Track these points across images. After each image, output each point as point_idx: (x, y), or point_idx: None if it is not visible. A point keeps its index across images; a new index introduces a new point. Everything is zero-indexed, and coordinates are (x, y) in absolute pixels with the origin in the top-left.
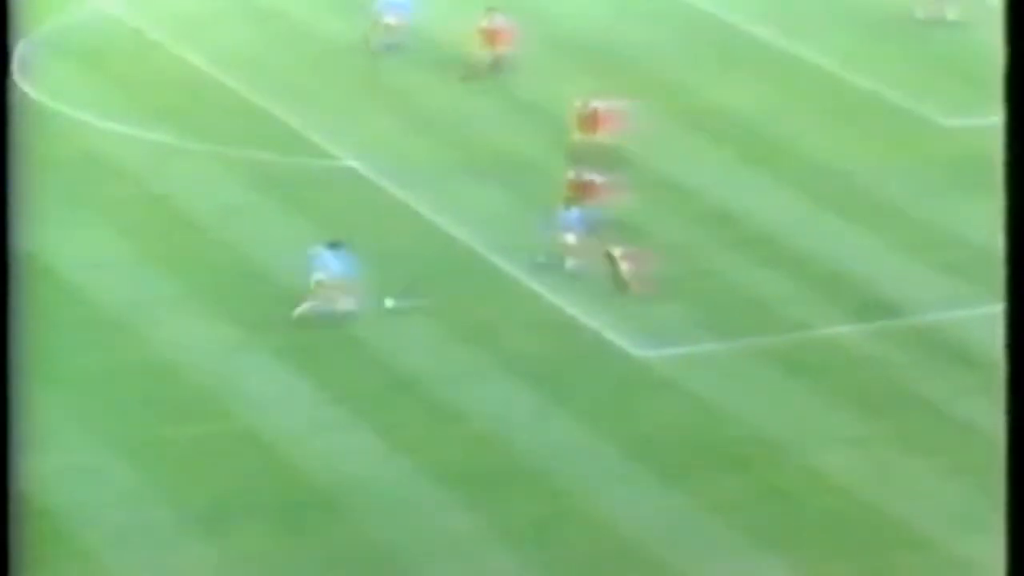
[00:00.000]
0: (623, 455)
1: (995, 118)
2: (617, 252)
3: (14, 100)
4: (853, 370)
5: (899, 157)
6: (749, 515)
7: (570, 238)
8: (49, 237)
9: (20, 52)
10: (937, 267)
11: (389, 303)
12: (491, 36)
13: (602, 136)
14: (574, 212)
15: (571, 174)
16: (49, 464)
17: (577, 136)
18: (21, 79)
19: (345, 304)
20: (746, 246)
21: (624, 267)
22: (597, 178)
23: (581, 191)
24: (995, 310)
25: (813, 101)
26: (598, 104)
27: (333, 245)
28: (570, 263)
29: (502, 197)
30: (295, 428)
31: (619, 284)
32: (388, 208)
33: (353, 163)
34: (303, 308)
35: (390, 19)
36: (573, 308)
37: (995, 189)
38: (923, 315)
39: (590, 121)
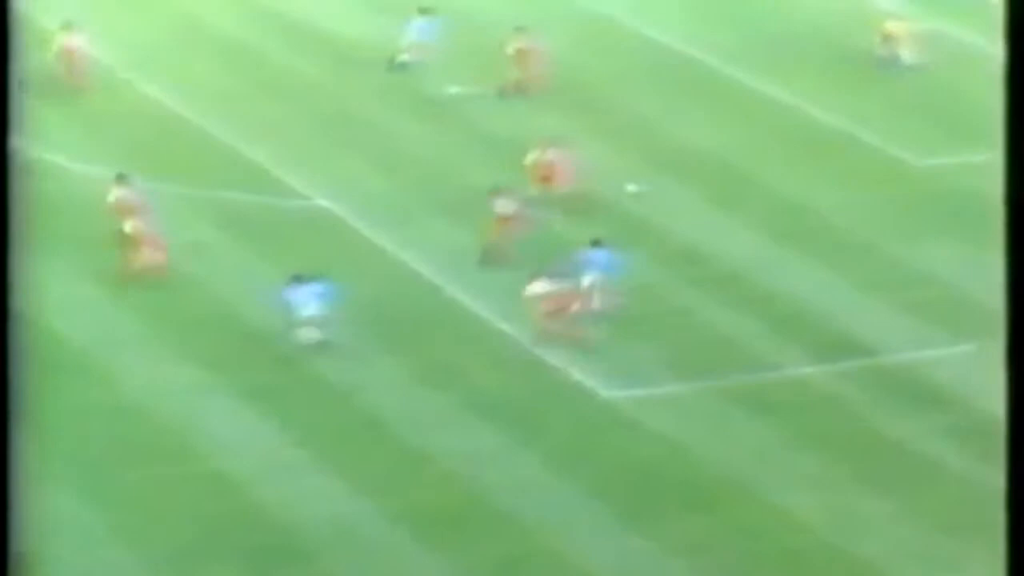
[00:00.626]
0: (589, 495)
1: (962, 158)
2: (543, 303)
3: (15, 162)
4: (818, 410)
5: (865, 196)
6: (715, 555)
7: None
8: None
9: None
10: (903, 307)
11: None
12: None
13: (559, 186)
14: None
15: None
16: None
17: (534, 188)
18: None
19: (315, 340)
20: (713, 286)
21: (546, 318)
22: (559, 222)
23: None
24: (961, 350)
25: (781, 139)
26: (553, 154)
27: (302, 278)
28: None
29: (470, 237)
30: (262, 470)
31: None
32: (357, 247)
33: (323, 202)
34: (303, 336)
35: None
36: (540, 348)
37: (961, 229)
38: (889, 355)
39: (546, 172)
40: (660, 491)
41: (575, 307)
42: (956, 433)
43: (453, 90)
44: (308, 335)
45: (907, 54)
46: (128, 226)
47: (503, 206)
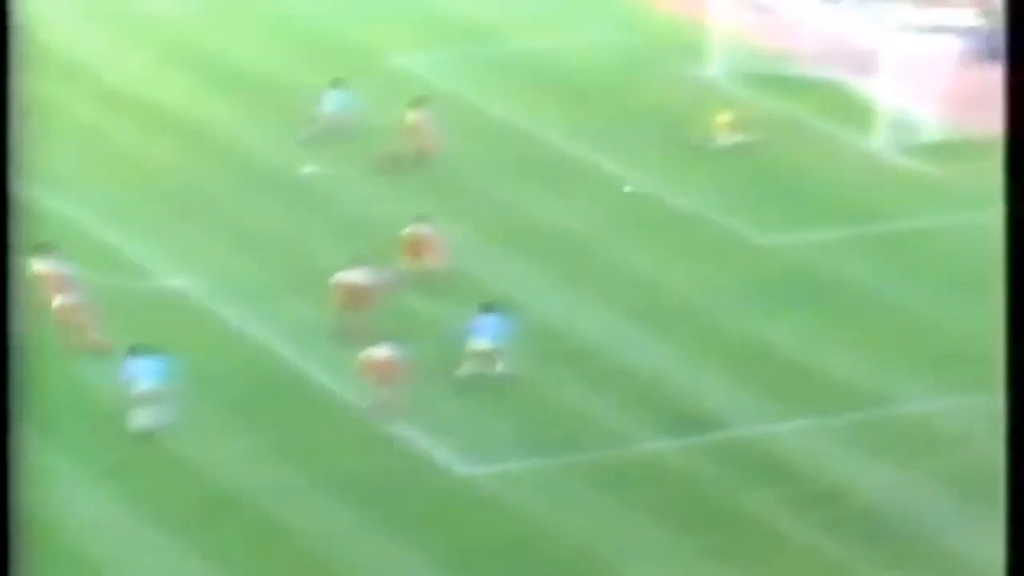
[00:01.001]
0: (445, 571)
1: (801, 236)
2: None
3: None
4: (671, 484)
5: (712, 273)
6: None
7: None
8: None
9: None
10: (749, 382)
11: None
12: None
13: (428, 261)
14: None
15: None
16: None
17: (404, 262)
18: None
19: (160, 416)
20: (568, 362)
21: (374, 385)
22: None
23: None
24: (804, 424)
25: (631, 219)
26: (421, 229)
27: (141, 351)
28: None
29: (325, 313)
30: (118, 549)
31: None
32: (210, 325)
33: (174, 281)
34: (135, 423)
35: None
36: (395, 424)
37: (802, 305)
38: (738, 429)
39: (414, 247)
40: (517, 567)
41: (401, 376)
42: (800, 504)
43: (308, 170)
44: (146, 412)
45: (747, 136)
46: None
47: (356, 280)
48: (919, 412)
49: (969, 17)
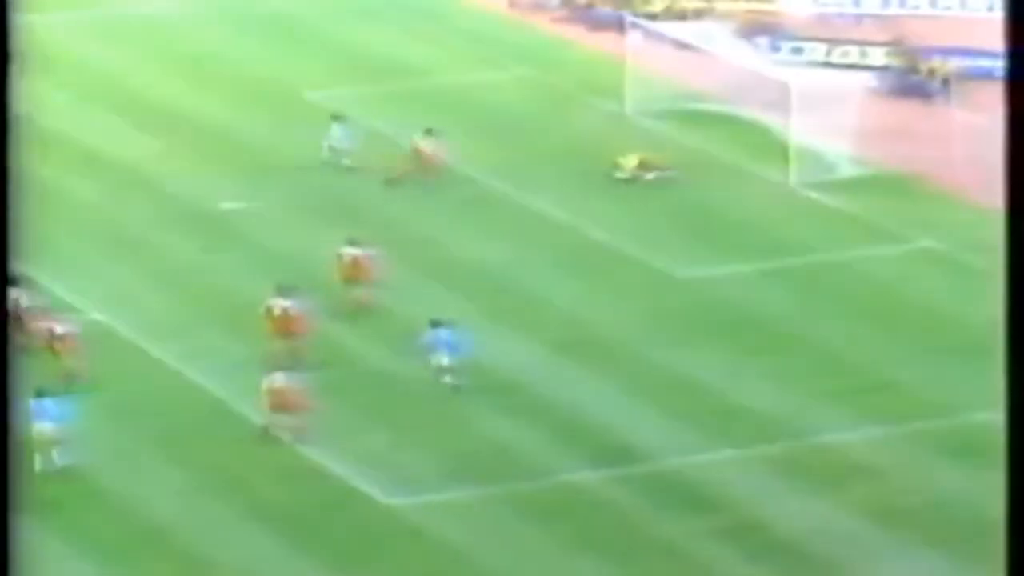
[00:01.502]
0: None
1: (723, 269)
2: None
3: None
4: (595, 515)
5: (633, 307)
6: None
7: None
8: None
9: None
10: (672, 414)
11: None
12: None
13: (364, 283)
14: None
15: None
16: None
17: (340, 286)
18: None
19: (62, 457)
20: (491, 394)
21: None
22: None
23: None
24: (726, 455)
25: (553, 253)
26: (355, 251)
27: (44, 392)
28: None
29: (248, 349)
30: None
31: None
32: (135, 360)
33: (98, 316)
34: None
35: None
36: (321, 456)
37: (721, 337)
38: (660, 461)
39: (351, 268)
40: None
41: (297, 405)
42: (722, 535)
43: (228, 205)
44: (56, 451)
45: (664, 172)
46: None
47: (286, 307)
48: (836, 443)
49: (881, 55)
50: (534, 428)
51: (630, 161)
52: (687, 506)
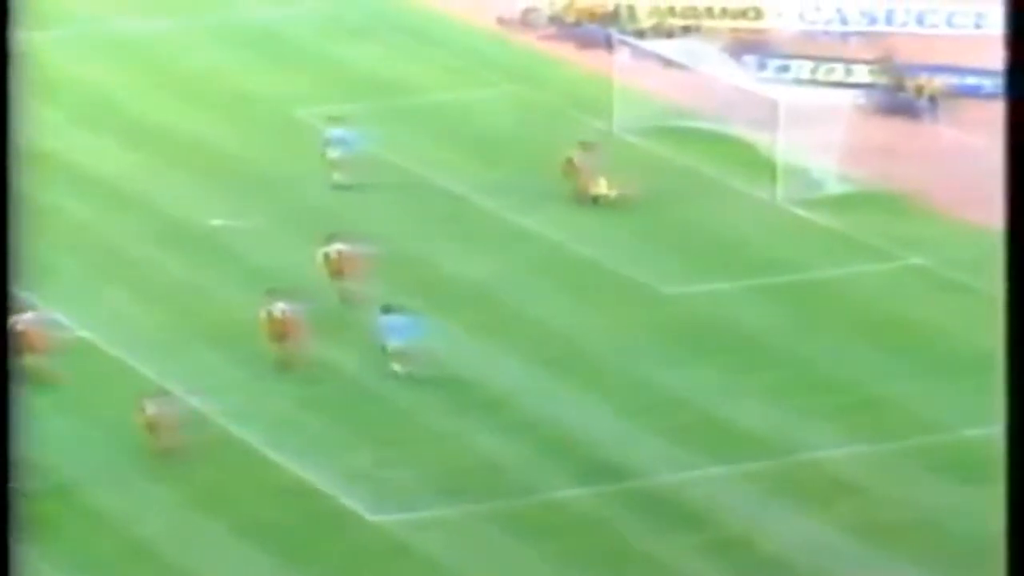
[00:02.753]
0: None
1: (710, 286)
2: None
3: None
4: (582, 532)
5: (619, 324)
6: None
7: None
8: None
9: None
10: (659, 431)
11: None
12: None
13: (350, 279)
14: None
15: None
16: None
17: (329, 283)
18: None
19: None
20: (478, 411)
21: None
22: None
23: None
24: (713, 472)
25: (541, 270)
26: (342, 247)
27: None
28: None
29: (235, 365)
30: None
31: None
32: (122, 377)
33: (84, 333)
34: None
35: None
36: (307, 473)
37: (708, 354)
38: (646, 477)
39: (337, 265)
40: None
41: (172, 422)
42: (709, 552)
43: (217, 222)
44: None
45: (651, 189)
46: None
47: (286, 311)
48: (823, 459)
49: (868, 73)
50: (521, 444)
51: (617, 178)
52: (674, 523)
